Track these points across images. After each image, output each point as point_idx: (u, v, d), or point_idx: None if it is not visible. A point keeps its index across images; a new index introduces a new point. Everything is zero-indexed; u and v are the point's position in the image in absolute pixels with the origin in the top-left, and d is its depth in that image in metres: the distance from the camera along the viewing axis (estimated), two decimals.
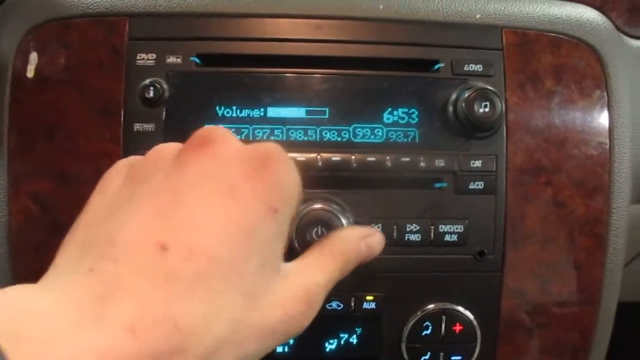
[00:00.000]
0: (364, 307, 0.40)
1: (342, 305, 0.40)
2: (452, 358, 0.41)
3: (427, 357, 0.41)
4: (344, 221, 0.38)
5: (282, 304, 0.25)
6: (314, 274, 0.28)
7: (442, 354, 0.41)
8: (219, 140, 0.25)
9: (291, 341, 0.41)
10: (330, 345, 0.41)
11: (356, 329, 0.41)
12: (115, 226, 0.23)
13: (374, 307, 0.40)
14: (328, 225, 0.37)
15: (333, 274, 0.29)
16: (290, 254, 0.37)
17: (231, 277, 0.23)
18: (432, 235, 0.40)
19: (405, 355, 0.41)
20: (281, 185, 0.26)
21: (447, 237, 0.40)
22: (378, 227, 0.39)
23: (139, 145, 0.39)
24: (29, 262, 0.39)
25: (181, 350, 0.21)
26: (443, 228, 0.40)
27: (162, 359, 0.20)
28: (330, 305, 0.40)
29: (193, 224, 0.23)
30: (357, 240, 0.31)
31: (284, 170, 0.26)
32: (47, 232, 0.39)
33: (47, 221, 0.39)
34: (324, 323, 0.40)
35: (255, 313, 0.23)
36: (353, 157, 0.39)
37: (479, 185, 0.40)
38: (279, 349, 0.41)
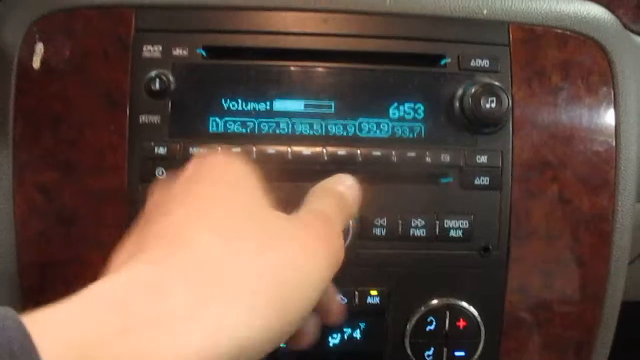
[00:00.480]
0: (368, 301, 0.40)
1: (346, 300, 0.40)
2: (456, 354, 0.41)
3: (430, 352, 0.41)
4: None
5: (297, 234, 0.25)
6: (318, 206, 0.28)
7: (445, 349, 0.41)
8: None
9: None
10: (334, 340, 0.41)
11: (360, 324, 0.41)
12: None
13: (378, 301, 0.40)
14: None
15: (335, 208, 0.28)
16: None
17: (237, 222, 0.24)
18: (437, 230, 0.40)
19: (409, 351, 0.41)
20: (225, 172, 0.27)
21: (452, 233, 0.40)
22: (383, 221, 0.39)
23: (144, 137, 0.39)
24: (34, 252, 0.39)
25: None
26: (448, 223, 0.40)
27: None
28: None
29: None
30: (333, 185, 0.31)
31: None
32: (51, 221, 0.39)
33: (52, 211, 0.39)
34: None
35: (270, 250, 0.23)
36: (359, 151, 0.39)
37: (485, 180, 0.40)
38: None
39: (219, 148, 0.38)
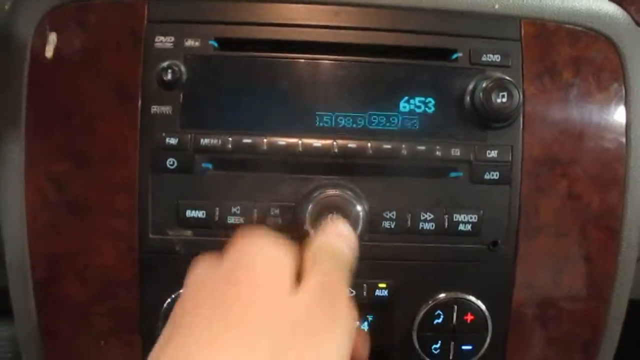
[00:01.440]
0: (376, 294, 0.40)
1: (354, 292, 0.40)
2: (463, 347, 0.41)
3: (437, 345, 0.41)
4: (358, 207, 0.38)
5: (313, 323, 0.26)
6: (321, 275, 0.28)
7: (452, 343, 0.41)
8: None
9: None
10: None
11: (368, 317, 0.41)
12: None
13: (386, 294, 0.40)
14: (343, 211, 0.37)
15: (337, 271, 0.29)
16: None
17: None
18: (446, 224, 0.40)
19: (416, 344, 0.41)
20: None
21: (461, 227, 0.40)
22: (392, 214, 0.39)
23: (155, 127, 0.39)
24: (45, 242, 0.40)
25: None
26: (457, 217, 0.40)
27: None
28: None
29: None
30: (331, 242, 0.31)
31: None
32: (62, 212, 0.39)
33: (63, 201, 0.39)
34: None
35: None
36: (369, 144, 0.39)
37: (494, 175, 0.40)
38: None
39: (229, 140, 0.39)
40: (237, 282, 0.26)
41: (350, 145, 0.39)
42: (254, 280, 0.26)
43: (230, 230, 0.39)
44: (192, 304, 0.26)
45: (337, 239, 0.31)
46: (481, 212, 0.40)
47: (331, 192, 0.38)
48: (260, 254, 0.28)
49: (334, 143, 0.39)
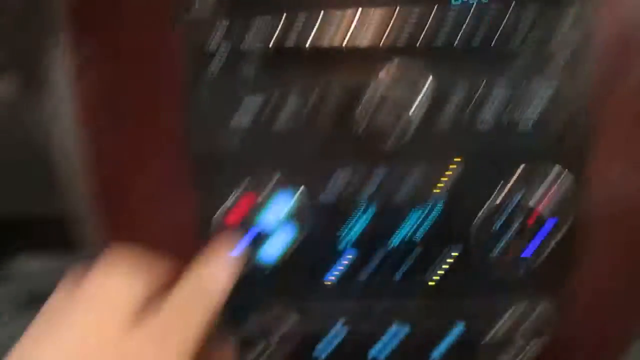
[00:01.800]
0: (431, 194, 0.39)
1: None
2: (529, 245, 0.39)
3: (497, 247, 0.39)
4: (424, 83, 0.36)
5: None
6: (175, 308, 0.32)
7: (514, 246, 0.39)
8: None
9: (358, 231, 0.40)
10: (400, 233, 0.40)
11: (427, 214, 0.40)
12: None
13: (445, 191, 0.39)
14: (408, 87, 0.35)
15: (194, 307, 0.32)
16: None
17: None
18: (508, 117, 0.37)
19: (475, 247, 0.39)
20: None
21: (525, 119, 0.37)
22: (450, 108, 0.37)
23: (198, 29, 0.37)
24: (97, 144, 0.40)
25: None
26: (520, 109, 0.37)
27: None
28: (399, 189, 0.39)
29: None
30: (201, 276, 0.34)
31: None
32: (112, 116, 0.40)
33: (112, 106, 0.40)
34: (392, 211, 0.39)
35: None
36: (432, 14, 0.36)
37: (564, 58, 0.36)
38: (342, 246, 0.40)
39: None
40: (74, 311, 0.28)
41: (412, 14, 0.36)
42: (90, 313, 0.28)
43: (278, 135, 0.38)
44: (38, 322, 0.29)
45: (211, 276, 0.32)
46: (548, 101, 0.37)
47: (394, 69, 0.36)
48: (104, 286, 0.30)
49: (395, 12, 0.36)
